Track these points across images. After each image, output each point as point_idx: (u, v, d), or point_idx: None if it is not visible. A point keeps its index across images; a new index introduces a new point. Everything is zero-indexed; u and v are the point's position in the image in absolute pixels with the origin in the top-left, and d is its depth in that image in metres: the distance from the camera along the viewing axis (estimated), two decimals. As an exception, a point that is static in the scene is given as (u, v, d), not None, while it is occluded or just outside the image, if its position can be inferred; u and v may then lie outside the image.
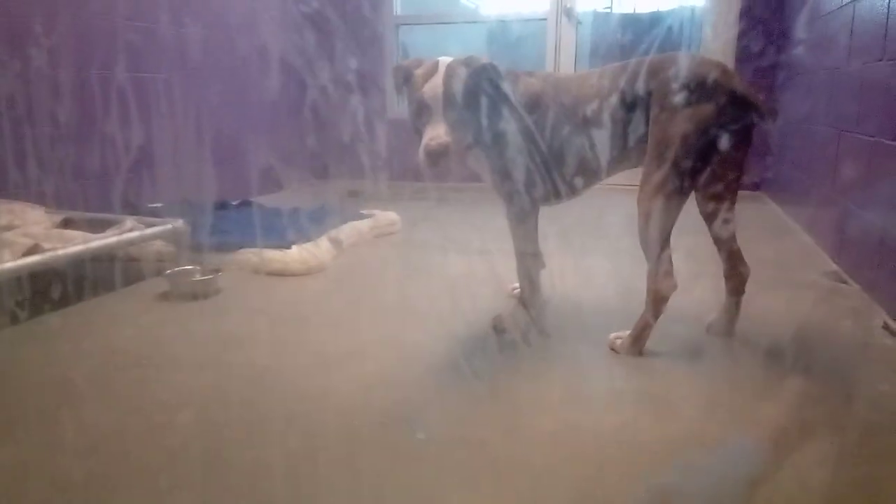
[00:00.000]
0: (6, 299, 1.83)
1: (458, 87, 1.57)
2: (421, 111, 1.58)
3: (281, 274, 2.34)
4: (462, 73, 1.59)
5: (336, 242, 2.62)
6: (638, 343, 1.61)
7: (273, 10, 4.17)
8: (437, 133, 1.53)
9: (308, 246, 2.46)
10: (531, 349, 1.69)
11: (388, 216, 3.08)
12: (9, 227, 2.10)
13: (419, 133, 1.58)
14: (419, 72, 1.61)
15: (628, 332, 1.63)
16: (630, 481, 1.10)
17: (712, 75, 1.50)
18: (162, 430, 1.28)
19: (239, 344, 1.72)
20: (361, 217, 2.98)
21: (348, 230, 2.78)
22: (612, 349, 1.64)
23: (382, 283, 2.32)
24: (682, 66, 1.51)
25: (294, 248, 2.42)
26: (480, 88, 1.62)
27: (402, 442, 1.24)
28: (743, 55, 3.85)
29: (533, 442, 1.24)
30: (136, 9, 3.09)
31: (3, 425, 1.29)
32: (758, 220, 3.18)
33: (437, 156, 1.52)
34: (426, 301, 2.08)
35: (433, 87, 1.56)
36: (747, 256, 1.69)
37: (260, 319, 1.93)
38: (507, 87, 1.66)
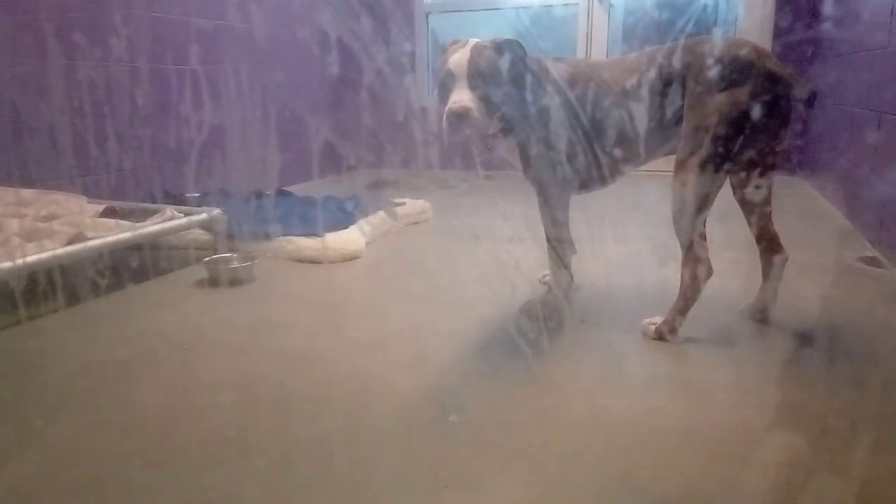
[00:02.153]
0: (52, 287, 1.90)
1: (485, 58, 1.59)
2: (447, 80, 1.61)
3: (315, 261, 2.38)
4: (489, 46, 1.62)
5: (367, 230, 2.64)
6: (672, 329, 1.60)
7: (300, 4, 4.20)
8: (460, 97, 1.56)
9: (341, 234, 2.49)
10: (563, 335, 1.69)
11: (418, 204, 3.10)
12: (52, 217, 2.17)
13: (444, 102, 1.61)
14: (451, 46, 1.65)
15: (661, 317, 1.62)
16: (663, 467, 1.11)
17: (745, 55, 1.48)
18: (204, 410, 1.32)
19: (276, 329, 1.76)
20: (393, 205, 3.00)
21: (380, 218, 2.81)
22: (645, 335, 1.63)
23: (414, 271, 2.34)
24: (716, 47, 1.49)
25: (328, 235, 2.45)
26: (508, 64, 1.63)
27: (437, 424, 1.26)
28: (779, 34, 3.76)
29: (566, 426, 1.25)
30: (164, 2, 3.14)
31: (53, 405, 1.35)
32: (795, 204, 3.12)
33: (460, 118, 1.55)
34: (458, 288, 2.10)
35: (459, 57, 1.59)
36: (784, 241, 1.67)
37: (295, 305, 1.97)
38: (535, 66, 1.67)
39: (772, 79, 1.47)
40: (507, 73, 1.63)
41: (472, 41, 1.63)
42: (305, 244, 2.42)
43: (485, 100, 1.59)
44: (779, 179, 1.63)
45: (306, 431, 1.24)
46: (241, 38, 3.64)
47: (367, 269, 2.35)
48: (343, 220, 2.63)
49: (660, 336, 1.61)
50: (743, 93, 1.46)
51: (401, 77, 4.54)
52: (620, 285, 2.05)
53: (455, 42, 1.68)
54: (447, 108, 1.57)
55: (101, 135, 2.79)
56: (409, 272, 2.33)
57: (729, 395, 1.35)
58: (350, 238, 2.49)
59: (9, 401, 1.38)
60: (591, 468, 1.11)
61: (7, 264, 1.68)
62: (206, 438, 1.22)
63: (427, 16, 4.56)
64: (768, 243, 1.66)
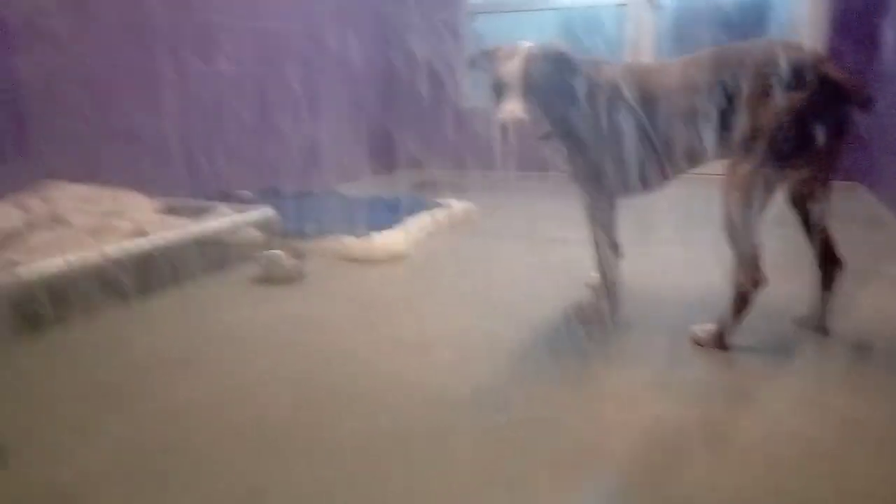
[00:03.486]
0: (114, 282, 1.98)
1: (537, 69, 1.61)
2: (500, 89, 1.63)
3: (362, 261, 2.42)
4: (541, 57, 1.62)
5: (413, 231, 2.67)
6: (723, 337, 1.58)
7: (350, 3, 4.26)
8: (513, 107, 1.58)
9: (387, 234, 2.53)
10: (611, 339, 1.69)
11: (463, 205, 3.12)
12: (113, 213, 2.26)
13: (496, 107, 1.63)
14: (502, 53, 1.66)
15: (711, 324, 1.60)
16: (712, 477, 1.10)
17: (804, 61, 1.45)
18: (256, 404, 1.37)
19: (324, 327, 1.81)
20: (437, 207, 3.03)
21: (425, 219, 2.84)
22: (695, 342, 1.61)
23: (460, 273, 2.35)
24: (773, 52, 1.46)
25: (374, 236, 2.49)
26: (559, 74, 1.64)
27: (484, 424, 1.28)
28: (836, 34, 3.65)
29: (615, 430, 1.25)
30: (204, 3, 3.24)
31: (116, 397, 1.41)
32: (852, 211, 3.03)
33: (512, 127, 1.57)
34: (503, 290, 2.11)
35: (513, 66, 1.61)
36: (842, 250, 1.63)
37: (343, 304, 2.01)
38: (585, 75, 1.67)
39: (829, 85, 1.43)
40: (558, 82, 1.64)
41: (523, 47, 1.64)
42: (353, 244, 2.47)
43: (536, 106, 1.61)
44: (838, 186, 1.59)
45: (353, 429, 1.27)
46: (289, 39, 3.72)
47: (413, 270, 2.38)
48: (389, 220, 2.67)
49: (710, 343, 1.59)
50: (799, 99, 1.43)
51: (447, 78, 4.57)
52: (668, 290, 2.03)
53: (502, 47, 1.68)
54: (500, 117, 1.60)
55: (160, 134, 2.89)
56: (454, 273, 2.34)
57: (782, 405, 1.33)
58: (396, 238, 2.52)
59: (76, 392, 1.45)
60: (639, 473, 1.11)
61: (74, 258, 1.76)
62: (259, 431, 1.26)
63: (472, 16, 4.57)
64: (826, 253, 1.62)
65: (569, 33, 4.52)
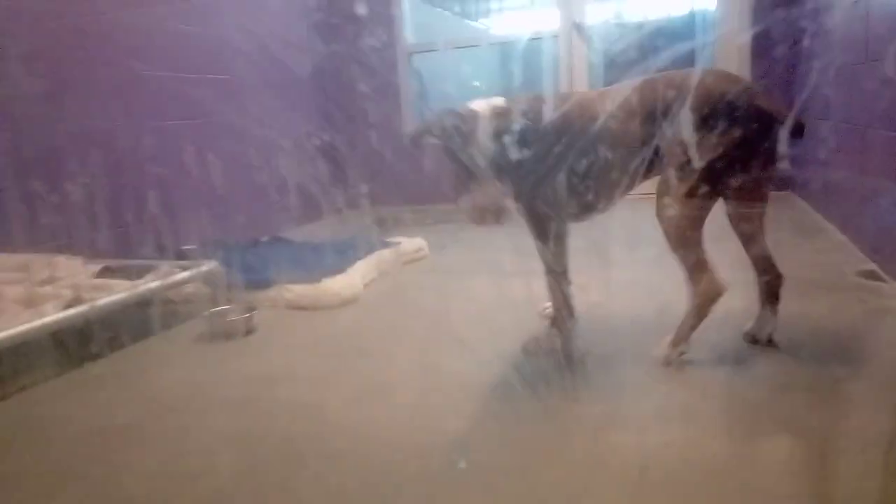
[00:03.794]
0: (52, 351, 1.88)
1: (500, 140, 1.63)
2: (464, 170, 1.64)
3: (314, 308, 2.37)
4: (502, 124, 1.64)
5: (364, 272, 2.65)
6: (679, 345, 1.60)
7: (284, 40, 4.26)
8: (489, 198, 1.64)
9: (338, 278, 2.49)
10: (568, 370, 1.68)
11: (414, 242, 3.11)
12: (50, 281, 2.17)
13: (461, 188, 1.63)
14: (457, 126, 1.65)
15: (668, 337, 1.62)
16: (676, 502, 1.09)
17: (738, 94, 1.49)
18: (203, 474, 1.30)
19: (278, 380, 1.75)
20: (388, 245, 3.01)
21: (376, 260, 2.81)
22: (659, 362, 1.62)
23: (414, 311, 2.33)
24: (700, 81, 1.51)
25: (325, 281, 2.45)
26: (515, 134, 1.66)
27: (445, 472, 1.25)
28: (758, 53, 3.83)
29: (575, 465, 1.24)
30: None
31: (54, 477, 1.33)
32: (789, 220, 3.14)
33: (494, 218, 1.58)
34: (461, 327, 2.09)
35: (477, 146, 1.62)
36: (780, 258, 1.67)
37: (297, 355, 1.95)
38: (525, 116, 1.69)
39: (763, 117, 1.49)
40: (514, 138, 1.66)
41: (478, 114, 1.65)
42: (303, 291, 2.42)
43: (501, 175, 1.66)
44: (771, 196, 1.64)
45: (315, 488, 1.22)
46: (221, 86, 3.68)
47: (367, 312, 2.35)
48: (339, 264, 2.63)
49: (667, 353, 1.61)
50: (729, 130, 1.48)
51: (387, 115, 4.60)
52: (621, 314, 2.05)
53: (451, 116, 1.68)
54: (477, 208, 1.67)
55: (92, 194, 2.80)
56: (409, 313, 2.32)
57: (740, 423, 1.35)
58: (347, 282, 2.49)
59: (15, 470, 1.36)
60: (605, 509, 1.09)
61: (6, 333, 1.67)
62: (210, 500, 1.20)
63: (410, 56, 4.63)
64: (764, 265, 1.67)
65: (505, 66, 4.62)
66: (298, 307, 2.39)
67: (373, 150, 4.63)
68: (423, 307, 2.37)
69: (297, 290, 2.43)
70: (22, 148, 2.53)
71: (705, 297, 1.56)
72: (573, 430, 1.37)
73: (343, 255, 2.77)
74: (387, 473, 1.25)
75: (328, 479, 1.25)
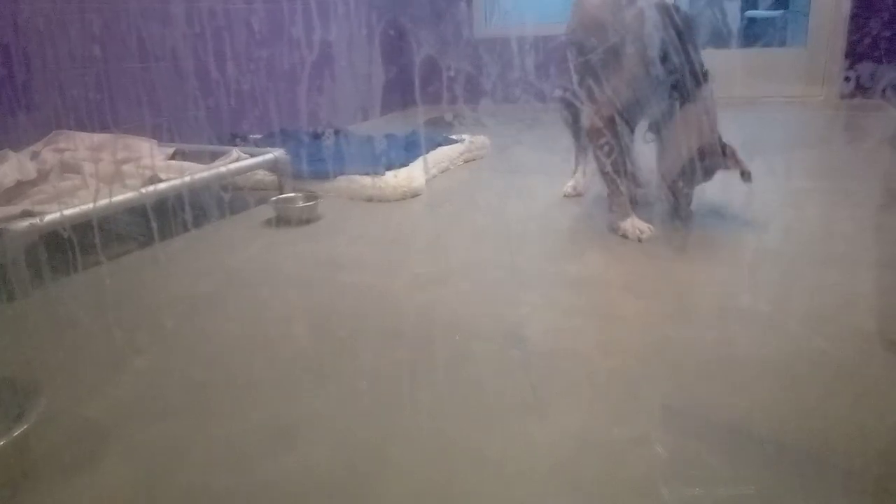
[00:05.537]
0: (129, 227, 1.99)
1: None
2: (629, 71, 1.68)
3: (377, 200, 2.40)
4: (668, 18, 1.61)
5: (427, 167, 2.64)
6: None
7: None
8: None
9: (402, 171, 2.50)
10: (622, 265, 1.68)
11: (478, 140, 3.07)
12: (126, 161, 2.26)
13: (594, 86, 1.67)
14: (629, 17, 1.64)
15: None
16: (730, 396, 1.10)
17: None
18: (279, 340, 1.39)
19: (342, 265, 1.81)
20: (452, 142, 2.98)
21: (440, 155, 2.80)
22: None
23: (474, 207, 2.33)
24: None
25: (388, 174, 2.46)
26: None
27: (502, 354, 1.29)
28: None
29: (629, 355, 1.25)
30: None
31: (140, 337, 1.44)
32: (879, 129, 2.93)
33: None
34: (518, 223, 2.09)
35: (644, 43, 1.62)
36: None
37: (360, 243, 2.01)
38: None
39: None
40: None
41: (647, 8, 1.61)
42: (367, 183, 2.44)
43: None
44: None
45: (377, 362, 1.28)
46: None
47: (428, 206, 2.36)
48: (403, 157, 2.64)
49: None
50: None
51: (456, 9, 4.43)
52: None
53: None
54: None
55: (167, 79, 2.85)
56: (469, 208, 2.33)
57: (797, 322, 1.32)
58: (410, 175, 2.49)
59: (100, 333, 1.48)
60: (655, 394, 1.11)
61: (89, 206, 1.77)
62: (283, 367, 1.28)
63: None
64: None
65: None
66: (362, 198, 2.43)
67: (443, 47, 4.52)
68: (482, 203, 2.37)
69: (360, 182, 2.46)
70: (108, 28, 2.57)
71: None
72: (628, 323, 1.38)
73: (408, 150, 2.76)
74: (444, 354, 1.30)
75: (389, 354, 1.30)
